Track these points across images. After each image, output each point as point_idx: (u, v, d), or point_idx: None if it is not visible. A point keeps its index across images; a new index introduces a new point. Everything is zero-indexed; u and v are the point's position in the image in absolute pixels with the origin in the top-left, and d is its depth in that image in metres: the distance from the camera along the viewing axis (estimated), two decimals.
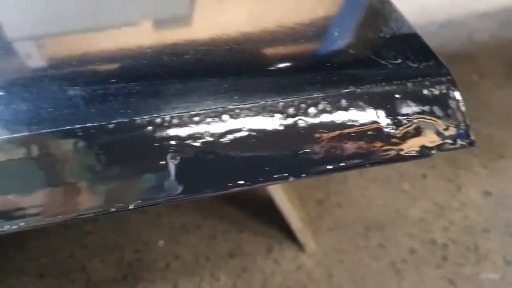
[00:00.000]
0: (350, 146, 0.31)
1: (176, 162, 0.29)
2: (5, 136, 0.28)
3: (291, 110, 0.31)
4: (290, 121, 0.31)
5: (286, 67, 0.34)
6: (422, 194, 1.35)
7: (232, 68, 0.33)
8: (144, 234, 1.31)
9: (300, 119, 0.31)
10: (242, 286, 1.19)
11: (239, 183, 0.30)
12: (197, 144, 0.30)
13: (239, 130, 0.30)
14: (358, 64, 0.34)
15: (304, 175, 0.31)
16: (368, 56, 0.34)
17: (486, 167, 1.40)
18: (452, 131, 0.32)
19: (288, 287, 1.18)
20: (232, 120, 0.30)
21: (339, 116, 0.31)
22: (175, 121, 0.30)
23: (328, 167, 0.31)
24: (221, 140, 0.30)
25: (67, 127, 0.28)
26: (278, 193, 1.15)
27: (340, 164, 0.31)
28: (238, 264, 1.23)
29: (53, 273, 1.25)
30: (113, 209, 0.28)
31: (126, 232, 1.32)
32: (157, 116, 0.29)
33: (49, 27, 0.40)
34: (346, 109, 0.32)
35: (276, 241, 1.27)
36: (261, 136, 0.31)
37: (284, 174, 0.30)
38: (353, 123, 0.31)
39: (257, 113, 0.31)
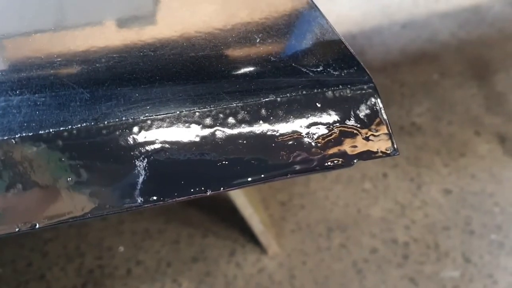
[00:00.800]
0: (270, 157, 0.31)
1: (85, 177, 0.28)
2: None
3: (208, 121, 0.30)
4: (207, 132, 0.30)
5: (203, 75, 0.32)
6: (384, 193, 1.36)
7: (145, 76, 0.32)
8: (106, 240, 1.29)
9: (218, 129, 0.30)
10: None
11: (151, 199, 0.29)
12: (105, 158, 0.29)
13: (151, 142, 0.29)
14: (279, 72, 0.33)
15: (222, 187, 0.30)
16: (289, 63, 0.33)
17: (447, 166, 1.42)
18: (373, 139, 0.32)
19: None
20: (144, 132, 0.29)
21: (259, 126, 0.31)
22: (82, 134, 0.28)
23: (249, 178, 0.30)
24: (131, 153, 0.29)
25: None
26: (239, 197, 1.14)
27: (261, 175, 0.30)
28: (201, 269, 1.22)
29: (11, 283, 1.22)
30: (17, 229, 0.27)
31: (87, 239, 1.29)
32: (64, 130, 0.28)
33: None
34: (265, 118, 0.31)
35: (239, 244, 1.27)
36: (176, 148, 0.29)
37: (202, 188, 0.29)
38: (274, 133, 0.31)
39: (171, 124, 0.30)
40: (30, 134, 0.27)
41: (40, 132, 0.28)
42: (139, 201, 0.28)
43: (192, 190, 0.29)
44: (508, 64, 1.74)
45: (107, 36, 0.35)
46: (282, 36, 0.35)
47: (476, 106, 1.60)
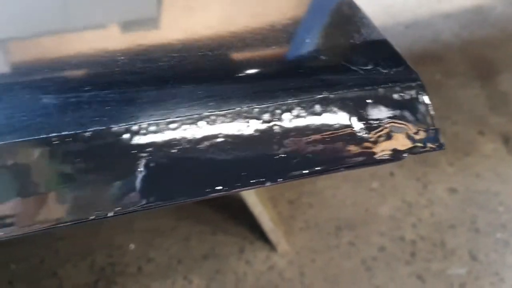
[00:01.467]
0: (324, 151, 0.32)
1: (153, 168, 0.30)
2: None
3: (266, 116, 0.32)
4: (265, 126, 0.32)
5: (259, 73, 0.34)
6: (391, 192, 1.38)
7: (206, 74, 0.34)
8: (117, 238, 1.30)
9: (275, 124, 0.32)
10: None
11: (217, 189, 0.30)
12: (174, 151, 0.30)
13: (215, 136, 0.31)
14: (330, 70, 0.34)
15: (280, 179, 0.31)
16: (340, 62, 0.35)
17: (452, 165, 1.44)
18: (422, 134, 0.33)
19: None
20: (208, 126, 0.31)
21: (313, 121, 0.32)
22: (152, 128, 0.30)
23: (304, 171, 0.32)
24: (198, 146, 0.30)
25: (42, 136, 0.28)
26: (250, 195, 1.16)
27: (316, 168, 0.32)
28: (211, 266, 1.23)
29: (24, 280, 1.22)
30: (92, 217, 0.28)
31: (98, 237, 1.30)
32: (134, 124, 0.29)
33: (15, 31, 0.40)
34: (319, 114, 0.32)
35: (248, 241, 1.28)
36: (237, 142, 0.31)
37: (261, 179, 0.31)
38: (327, 128, 0.32)
39: (232, 119, 0.31)
40: (101, 128, 0.29)
41: (111, 126, 0.29)
42: (205, 191, 0.30)
43: (252, 181, 0.31)
44: (511, 64, 1.76)
45: (165, 36, 0.37)
46: (331, 36, 0.36)
47: (480, 106, 1.61)
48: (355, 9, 0.37)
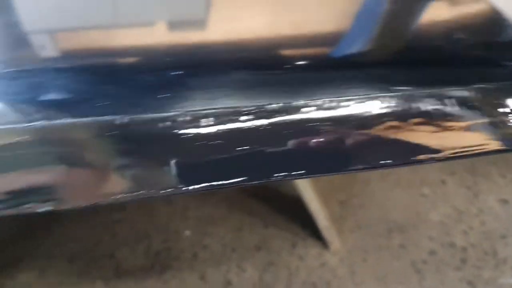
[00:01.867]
0: (458, 138, 0.35)
1: (288, 146, 0.33)
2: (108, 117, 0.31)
3: (402, 105, 0.34)
4: (403, 113, 0.34)
5: (419, 61, 0.37)
6: (442, 199, 1.39)
7: (330, 64, 0.37)
8: (172, 224, 1.34)
9: (416, 110, 0.35)
10: (269, 279, 1.22)
11: (355, 168, 0.33)
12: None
13: (345, 118, 0.34)
14: (480, 63, 0.38)
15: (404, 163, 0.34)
16: (488, 56, 0.38)
17: (504, 177, 1.45)
18: None
19: (313, 283, 1.22)
20: (332, 110, 0.34)
21: (456, 110, 0.35)
22: (280, 110, 0.32)
23: (434, 155, 0.35)
24: (326, 127, 0.33)
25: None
26: (307, 191, 1.19)
27: (446, 153, 0.35)
28: (264, 258, 1.27)
29: (83, 259, 1.28)
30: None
31: (154, 222, 1.35)
32: (263, 105, 0.32)
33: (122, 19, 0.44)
34: (470, 103, 0.35)
35: (300, 237, 1.31)
36: (367, 126, 0.34)
37: (390, 161, 0.34)
38: (462, 117, 0.35)
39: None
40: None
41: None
42: (349, 168, 0.33)
43: (386, 162, 0.34)
44: None
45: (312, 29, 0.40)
46: (479, 34, 0.40)
47: None
48: (499, 13, 0.41)
